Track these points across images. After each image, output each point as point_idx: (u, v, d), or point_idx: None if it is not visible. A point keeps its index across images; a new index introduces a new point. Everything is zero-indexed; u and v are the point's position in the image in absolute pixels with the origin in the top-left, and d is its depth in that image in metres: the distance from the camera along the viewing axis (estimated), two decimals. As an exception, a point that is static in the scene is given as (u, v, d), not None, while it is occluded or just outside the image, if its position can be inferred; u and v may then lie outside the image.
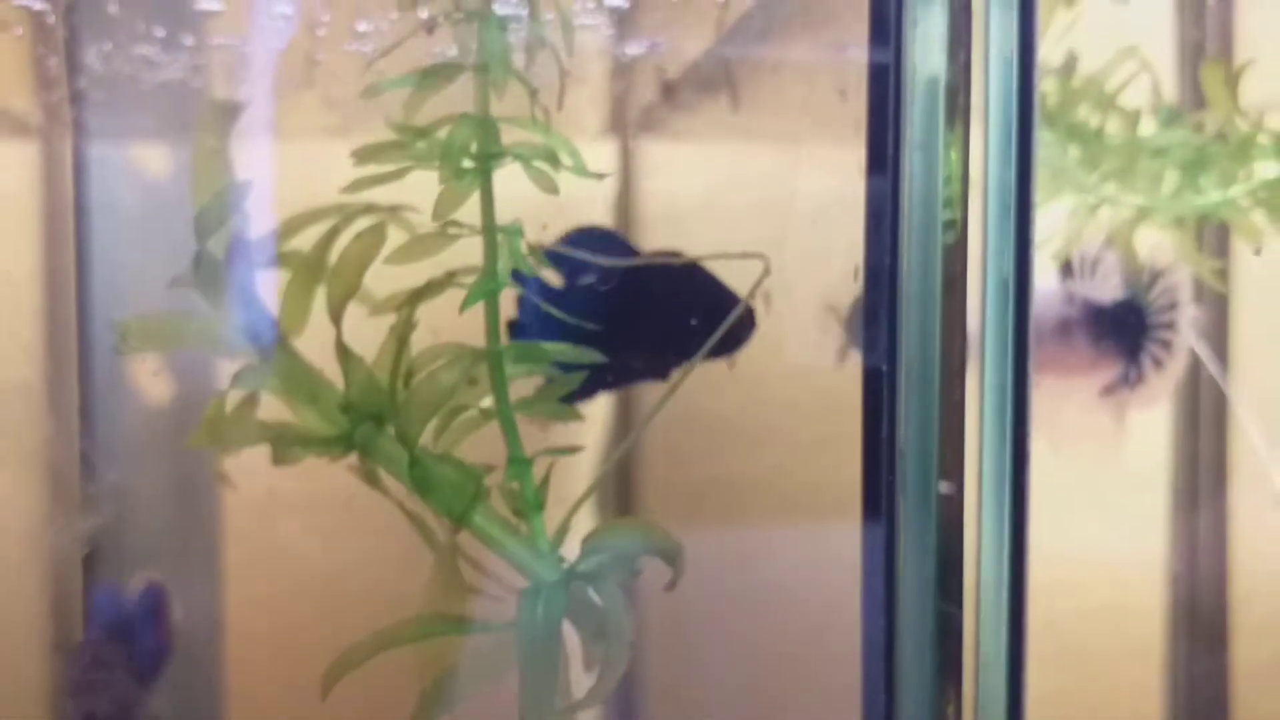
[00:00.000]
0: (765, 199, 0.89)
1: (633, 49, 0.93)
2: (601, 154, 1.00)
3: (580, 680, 0.74)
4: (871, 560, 0.69)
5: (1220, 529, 1.19)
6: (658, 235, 0.94)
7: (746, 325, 0.83)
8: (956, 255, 0.68)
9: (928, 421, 0.68)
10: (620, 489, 1.01)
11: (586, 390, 0.80)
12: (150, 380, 0.91)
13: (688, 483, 0.97)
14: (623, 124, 1.00)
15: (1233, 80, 0.98)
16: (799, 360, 0.86)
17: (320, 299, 0.73)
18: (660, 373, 0.83)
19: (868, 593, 0.69)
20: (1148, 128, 0.98)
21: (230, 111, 0.74)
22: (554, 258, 0.82)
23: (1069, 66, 0.95)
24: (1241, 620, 1.20)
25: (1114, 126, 0.97)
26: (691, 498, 0.97)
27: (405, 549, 0.76)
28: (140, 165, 0.91)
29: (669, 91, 0.97)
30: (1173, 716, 1.21)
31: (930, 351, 0.68)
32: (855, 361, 0.72)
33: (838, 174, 0.73)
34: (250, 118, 0.77)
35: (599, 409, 0.86)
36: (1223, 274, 1.09)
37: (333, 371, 0.74)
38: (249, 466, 0.77)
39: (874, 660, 0.69)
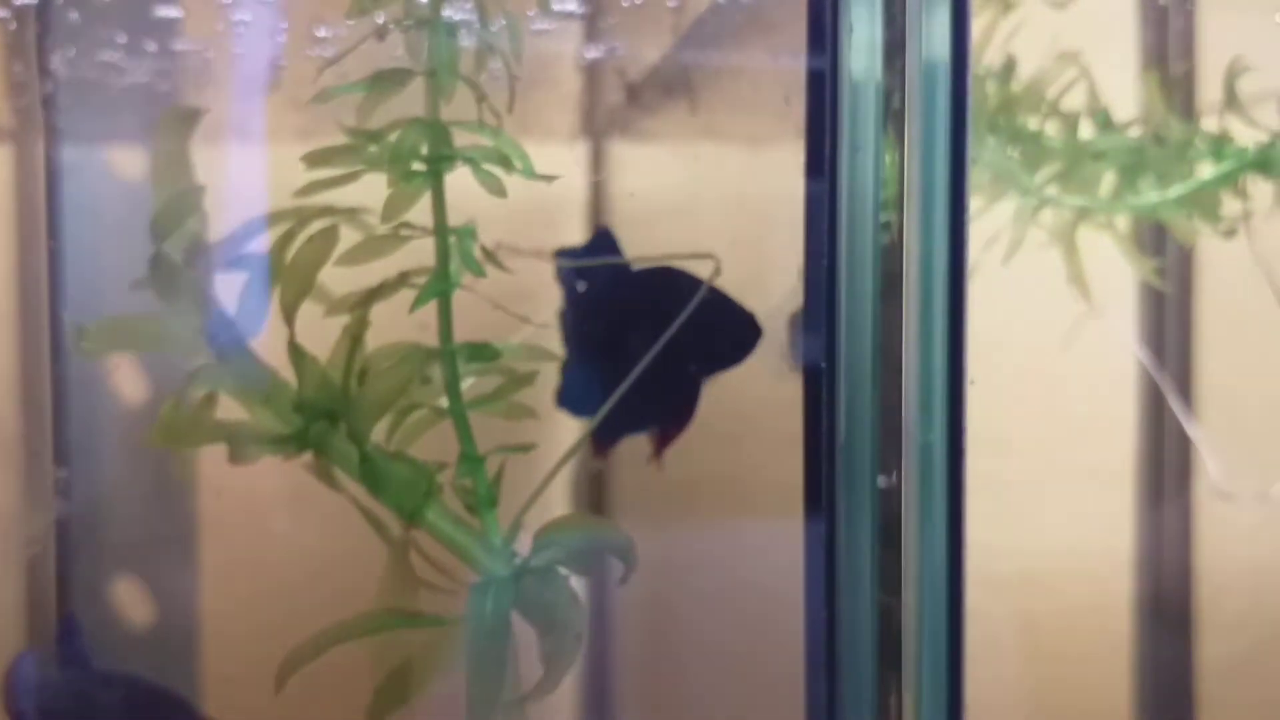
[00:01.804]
0: (725, 200, 0.90)
1: (594, 53, 0.94)
2: (576, 156, 1.01)
3: (535, 674, 0.75)
4: (813, 553, 0.70)
5: (1186, 525, 1.20)
6: (633, 237, 0.95)
7: (751, 335, 0.84)
8: (893, 255, 0.69)
9: (867, 417, 0.70)
10: (593, 489, 1.02)
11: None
12: (126, 380, 0.93)
13: (661, 482, 0.98)
14: (593, 126, 1.01)
15: (1174, 86, 1.01)
16: (768, 359, 0.87)
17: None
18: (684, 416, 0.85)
19: (810, 584, 0.70)
20: (1089, 131, 1.00)
21: (189, 117, 0.75)
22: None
23: (1008, 71, 0.97)
24: (1210, 615, 1.21)
25: (1055, 130, 0.99)
26: (665, 497, 0.98)
27: (375, 544, 0.77)
28: (112, 168, 0.92)
29: (633, 94, 0.98)
30: (1140, 710, 1.22)
31: (868, 349, 0.70)
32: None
33: (788, 176, 0.74)
34: (213, 121, 0.78)
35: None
36: (1184, 275, 1.11)
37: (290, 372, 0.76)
38: (223, 463, 0.78)
39: (816, 650, 0.70)
